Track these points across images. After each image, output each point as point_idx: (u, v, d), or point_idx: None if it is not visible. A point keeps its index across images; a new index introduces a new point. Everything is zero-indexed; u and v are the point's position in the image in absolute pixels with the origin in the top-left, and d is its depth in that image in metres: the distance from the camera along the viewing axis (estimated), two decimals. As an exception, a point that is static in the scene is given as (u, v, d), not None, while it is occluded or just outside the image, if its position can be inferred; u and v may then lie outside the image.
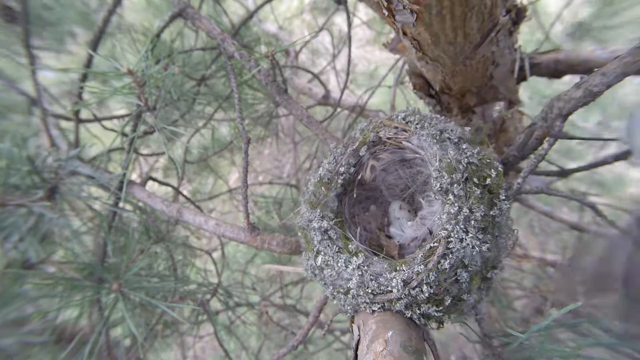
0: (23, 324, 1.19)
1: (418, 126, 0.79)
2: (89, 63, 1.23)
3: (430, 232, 0.80)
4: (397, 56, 1.89)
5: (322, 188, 0.83)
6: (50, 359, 1.24)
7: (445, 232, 0.68)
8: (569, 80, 1.08)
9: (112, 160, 1.72)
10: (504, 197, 0.71)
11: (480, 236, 0.68)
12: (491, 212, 0.69)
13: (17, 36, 1.43)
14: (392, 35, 1.24)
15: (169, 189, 1.77)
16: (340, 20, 3.47)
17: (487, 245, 0.68)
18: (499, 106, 0.82)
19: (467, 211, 0.68)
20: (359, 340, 0.70)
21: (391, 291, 0.69)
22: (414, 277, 0.68)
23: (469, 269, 0.68)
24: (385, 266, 0.72)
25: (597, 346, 0.72)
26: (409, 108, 0.86)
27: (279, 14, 3.43)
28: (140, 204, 1.36)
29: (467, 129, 0.80)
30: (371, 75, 3.35)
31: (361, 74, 3.53)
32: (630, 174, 3.01)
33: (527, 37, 2.56)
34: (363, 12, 3.34)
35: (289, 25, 3.49)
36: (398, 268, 0.70)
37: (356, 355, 0.68)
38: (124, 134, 1.16)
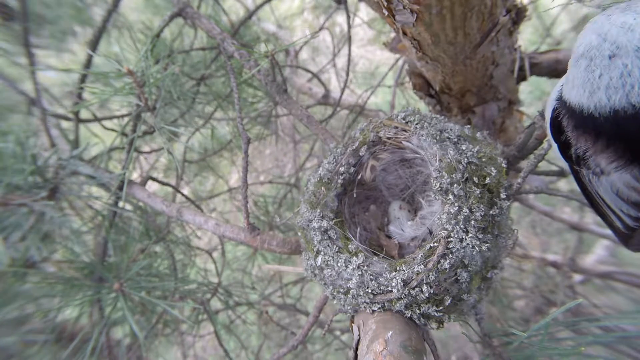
0: (24, 323, 1.19)
1: (418, 126, 0.79)
2: (88, 63, 1.23)
3: (430, 232, 0.80)
4: (397, 56, 1.89)
5: (322, 188, 0.83)
6: (51, 358, 1.25)
7: (445, 232, 0.68)
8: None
9: (112, 159, 1.71)
10: (504, 196, 0.71)
11: (480, 236, 0.68)
12: (491, 212, 0.69)
13: (15, 35, 1.43)
14: (393, 34, 1.24)
15: (170, 188, 1.77)
16: (341, 19, 3.46)
17: (487, 244, 0.68)
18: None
19: (467, 211, 0.68)
20: (359, 340, 0.70)
21: (391, 291, 0.69)
22: (414, 277, 0.68)
23: (469, 268, 0.68)
24: (385, 266, 0.72)
25: (596, 344, 0.72)
26: (409, 108, 0.86)
27: (280, 13, 3.43)
28: (141, 203, 1.36)
29: (467, 126, 0.80)
30: (372, 75, 3.34)
31: (361, 74, 3.52)
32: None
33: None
34: (364, 12, 3.33)
35: (290, 24, 3.48)
36: (398, 268, 0.70)
37: (356, 355, 0.68)
38: (124, 134, 1.16)
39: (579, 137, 0.53)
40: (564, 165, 0.62)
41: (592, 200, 0.63)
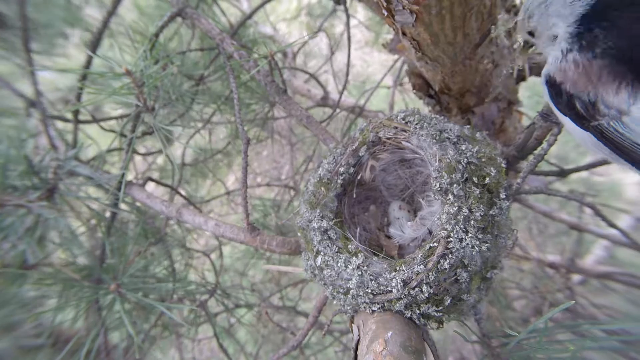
0: (19, 327, 1.18)
1: (417, 126, 0.79)
2: (88, 64, 1.23)
3: (430, 232, 0.80)
4: (396, 57, 1.90)
5: (322, 188, 0.82)
6: (47, 362, 1.23)
7: (445, 232, 0.67)
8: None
9: (107, 163, 1.71)
10: (504, 196, 0.71)
11: (480, 236, 0.67)
12: (491, 212, 0.69)
13: (9, 41, 1.43)
14: (391, 36, 1.24)
15: (167, 190, 1.76)
16: (338, 21, 3.47)
17: (487, 245, 0.68)
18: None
19: (467, 211, 0.68)
20: (358, 341, 0.69)
21: (391, 291, 0.69)
22: (413, 277, 0.68)
23: (469, 269, 0.68)
24: (385, 266, 0.72)
25: (596, 349, 0.71)
26: (409, 108, 0.86)
27: (278, 14, 3.43)
28: (138, 204, 1.35)
29: (467, 127, 0.80)
30: (366, 81, 3.35)
31: (358, 77, 3.53)
32: (625, 179, 3.02)
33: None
34: (362, 14, 3.34)
35: (287, 26, 3.48)
36: (398, 268, 0.70)
37: (356, 356, 0.68)
38: (122, 135, 1.15)
39: (583, 83, 0.56)
40: (581, 135, 0.61)
41: (628, 152, 0.57)
